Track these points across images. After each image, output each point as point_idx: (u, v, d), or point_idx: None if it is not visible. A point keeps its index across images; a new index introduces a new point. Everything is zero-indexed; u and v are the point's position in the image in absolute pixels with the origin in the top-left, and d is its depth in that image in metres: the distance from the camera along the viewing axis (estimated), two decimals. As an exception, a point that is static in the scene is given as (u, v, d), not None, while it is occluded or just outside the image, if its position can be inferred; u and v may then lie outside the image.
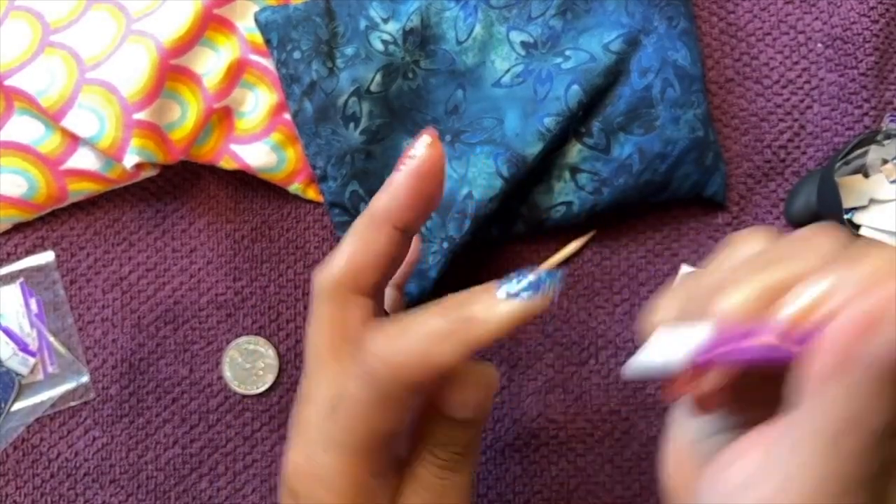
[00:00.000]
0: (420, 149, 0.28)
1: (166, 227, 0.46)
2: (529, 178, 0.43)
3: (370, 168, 0.43)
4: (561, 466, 0.44)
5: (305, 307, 0.45)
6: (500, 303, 0.26)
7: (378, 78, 0.43)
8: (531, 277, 0.26)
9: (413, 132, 0.44)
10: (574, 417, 0.44)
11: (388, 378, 0.25)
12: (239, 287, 0.45)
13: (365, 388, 0.26)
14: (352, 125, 0.43)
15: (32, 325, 0.45)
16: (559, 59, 0.43)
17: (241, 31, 0.44)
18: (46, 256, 0.45)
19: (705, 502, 0.24)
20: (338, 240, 0.46)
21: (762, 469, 0.22)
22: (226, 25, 0.44)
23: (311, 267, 0.46)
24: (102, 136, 0.42)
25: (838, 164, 0.42)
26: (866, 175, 0.43)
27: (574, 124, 0.43)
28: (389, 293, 0.34)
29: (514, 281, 0.26)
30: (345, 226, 0.44)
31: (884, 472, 0.20)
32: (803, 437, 0.20)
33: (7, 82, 0.42)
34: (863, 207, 0.43)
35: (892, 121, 0.44)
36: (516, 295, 0.26)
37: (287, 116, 0.44)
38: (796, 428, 0.21)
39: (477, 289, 0.27)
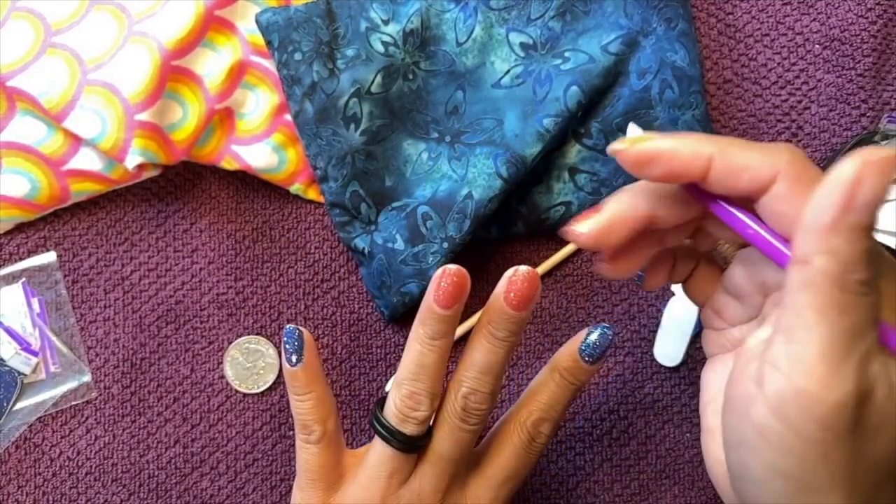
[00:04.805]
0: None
1: (168, 227, 0.46)
2: (529, 178, 0.43)
3: (371, 169, 0.44)
4: (560, 465, 0.44)
5: (306, 307, 0.46)
6: None
7: (378, 79, 0.43)
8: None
9: (413, 133, 0.44)
10: (573, 416, 0.45)
11: None
12: (240, 287, 0.46)
13: None
14: (352, 126, 0.43)
15: (35, 324, 0.45)
16: (558, 61, 0.43)
17: (242, 33, 0.44)
18: (48, 256, 0.46)
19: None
20: (338, 240, 0.46)
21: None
22: (227, 27, 0.44)
23: (311, 267, 0.46)
24: (104, 136, 0.42)
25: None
26: (864, 175, 0.43)
27: (573, 125, 0.43)
28: None
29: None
30: (345, 226, 0.44)
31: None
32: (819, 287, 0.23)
33: (9, 83, 0.43)
34: (860, 208, 0.43)
35: (889, 121, 0.44)
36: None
37: (288, 117, 0.45)
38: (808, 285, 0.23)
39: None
